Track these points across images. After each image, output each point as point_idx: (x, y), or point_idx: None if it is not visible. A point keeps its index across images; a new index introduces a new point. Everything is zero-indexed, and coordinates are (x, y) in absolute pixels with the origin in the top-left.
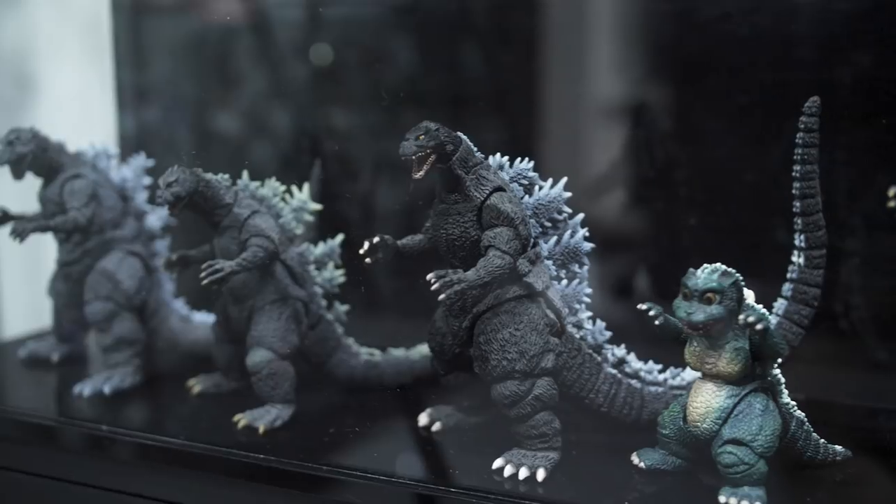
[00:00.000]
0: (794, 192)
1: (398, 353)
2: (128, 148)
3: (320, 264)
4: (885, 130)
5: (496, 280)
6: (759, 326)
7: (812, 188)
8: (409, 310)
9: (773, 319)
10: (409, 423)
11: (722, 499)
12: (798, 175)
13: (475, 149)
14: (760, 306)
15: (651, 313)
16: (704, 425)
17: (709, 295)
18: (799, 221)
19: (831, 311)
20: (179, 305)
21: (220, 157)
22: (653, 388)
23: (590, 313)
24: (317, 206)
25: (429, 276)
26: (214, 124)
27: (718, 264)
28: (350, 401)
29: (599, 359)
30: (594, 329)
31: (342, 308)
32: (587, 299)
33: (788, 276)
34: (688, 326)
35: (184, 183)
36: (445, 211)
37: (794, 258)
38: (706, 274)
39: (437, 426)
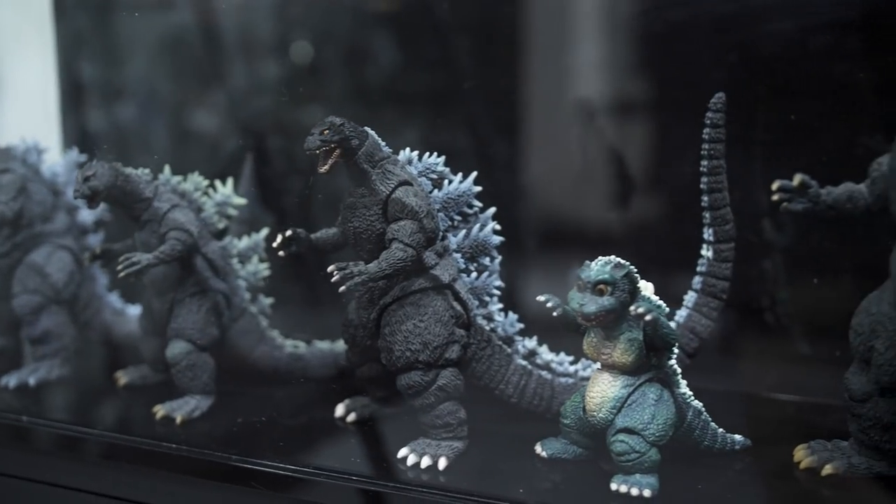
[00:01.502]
0: (701, 186)
1: (323, 345)
2: (71, 143)
3: (244, 258)
4: (794, 127)
5: (398, 272)
6: (648, 317)
7: (719, 183)
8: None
9: (683, 312)
10: (326, 414)
11: (613, 486)
12: (705, 170)
13: (383, 143)
14: (656, 298)
15: (549, 305)
16: (600, 415)
17: (601, 286)
18: (707, 215)
19: (758, 305)
20: (113, 299)
21: (163, 151)
22: (563, 380)
23: (500, 305)
24: (241, 201)
25: (330, 269)
26: (161, 119)
27: (613, 257)
28: (273, 392)
29: (510, 350)
30: (505, 321)
31: (266, 301)
32: (497, 292)
33: (698, 269)
34: (580, 317)
35: (101, 177)
36: (353, 205)
37: (703, 252)
38: (599, 266)
39: (352, 416)
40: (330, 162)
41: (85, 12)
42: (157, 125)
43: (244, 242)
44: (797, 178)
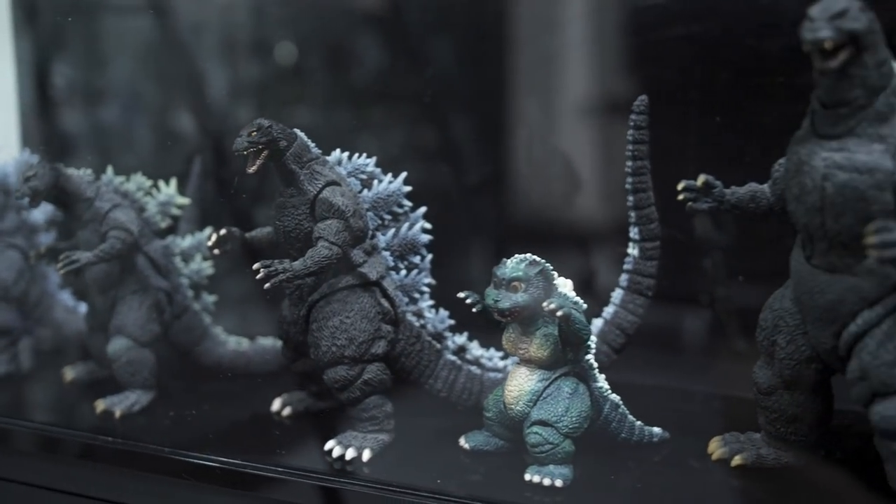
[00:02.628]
0: (626, 186)
1: (266, 342)
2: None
3: (187, 256)
4: (721, 127)
5: (323, 269)
6: (559, 313)
7: (644, 183)
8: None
9: (610, 309)
10: (263, 409)
11: (527, 476)
12: (630, 171)
13: (312, 144)
14: (573, 295)
15: (468, 301)
16: (518, 407)
17: (515, 283)
18: (633, 214)
19: (690, 300)
20: (65, 297)
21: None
22: (492, 374)
23: (431, 302)
24: (184, 201)
25: (255, 266)
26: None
27: (528, 254)
28: (214, 387)
29: (439, 346)
30: (435, 318)
31: (210, 298)
32: (426, 289)
33: (624, 267)
34: (495, 313)
35: (42, 177)
36: (282, 204)
37: (630, 250)
38: (514, 263)
39: (287, 410)
40: (258, 162)
41: (47, 14)
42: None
43: (187, 241)
44: (701, 179)
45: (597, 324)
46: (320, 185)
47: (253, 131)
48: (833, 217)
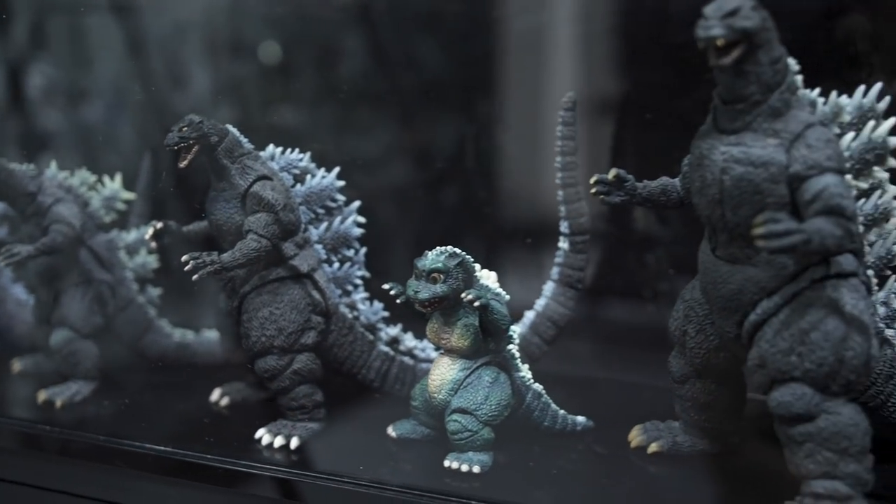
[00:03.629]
0: (556, 181)
1: (211, 334)
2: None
3: (132, 250)
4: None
5: (251, 262)
6: (476, 303)
7: (573, 178)
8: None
9: (541, 301)
10: (203, 399)
11: (446, 463)
12: (559, 166)
13: (244, 140)
14: (496, 286)
15: (392, 292)
16: (440, 396)
17: (434, 275)
18: (563, 209)
19: (641, 295)
20: (18, 290)
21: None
22: (425, 365)
23: (365, 294)
24: (129, 196)
25: (183, 258)
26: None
27: (449, 247)
28: (159, 379)
29: (372, 337)
30: (368, 309)
31: (155, 291)
32: (359, 281)
33: (555, 260)
34: (416, 303)
35: None
36: (215, 198)
37: (560, 244)
38: (434, 255)
39: (225, 400)
40: (189, 157)
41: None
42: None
43: (132, 235)
44: (612, 173)
45: (529, 316)
46: (251, 180)
47: (184, 127)
48: (732, 209)
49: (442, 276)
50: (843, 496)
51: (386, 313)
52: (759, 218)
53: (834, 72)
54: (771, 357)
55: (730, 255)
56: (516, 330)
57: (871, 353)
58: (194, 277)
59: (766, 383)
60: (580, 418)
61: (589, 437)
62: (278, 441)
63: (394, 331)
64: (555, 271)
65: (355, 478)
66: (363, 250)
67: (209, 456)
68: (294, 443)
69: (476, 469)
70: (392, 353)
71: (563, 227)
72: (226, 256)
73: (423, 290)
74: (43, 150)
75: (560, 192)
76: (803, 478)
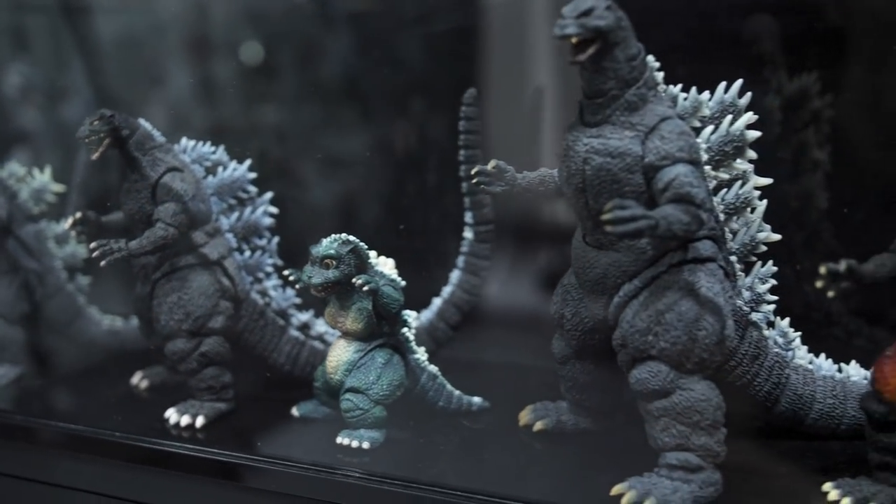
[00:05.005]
0: (461, 174)
1: None
2: None
3: (61, 240)
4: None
5: (158, 249)
6: (365, 288)
7: None
8: None
9: (448, 289)
10: (125, 382)
11: (338, 440)
12: (463, 159)
13: (156, 133)
14: (391, 273)
15: (291, 278)
16: (337, 377)
17: (327, 261)
18: (467, 200)
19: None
20: None
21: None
22: None
23: (277, 281)
24: (59, 188)
25: (91, 245)
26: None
27: (343, 234)
28: (87, 364)
29: (283, 323)
30: (279, 296)
31: (84, 280)
32: (270, 269)
33: (461, 249)
34: (311, 289)
35: None
36: (128, 189)
37: (465, 234)
38: (327, 242)
39: (144, 383)
40: (100, 150)
41: None
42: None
43: (62, 225)
44: (492, 163)
45: (436, 303)
46: (161, 171)
47: (95, 120)
48: (593, 197)
49: (334, 262)
50: (694, 467)
51: (298, 300)
52: (608, 205)
53: (741, 67)
54: (630, 337)
55: (596, 240)
56: (412, 314)
57: (725, 334)
58: (102, 263)
59: (628, 362)
60: (476, 399)
61: (484, 417)
62: (185, 420)
63: (305, 316)
64: (460, 260)
65: (252, 454)
66: (275, 239)
67: (118, 434)
68: (200, 421)
69: (366, 445)
70: (303, 337)
71: (468, 217)
72: (133, 244)
73: (317, 276)
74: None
75: (464, 184)
76: (660, 450)
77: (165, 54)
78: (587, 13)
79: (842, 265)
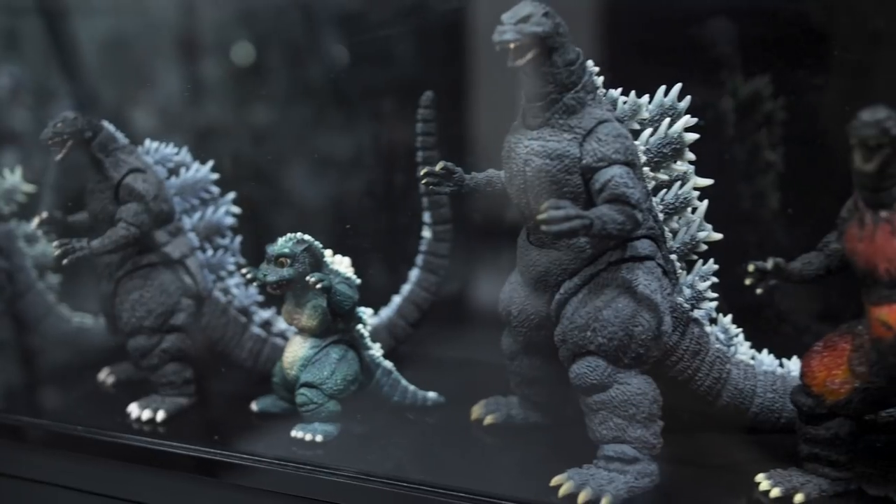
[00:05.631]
0: (419, 175)
1: None
2: None
3: (31, 239)
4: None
5: (120, 248)
6: (318, 286)
7: None
8: None
9: (407, 287)
10: (92, 378)
11: (293, 433)
12: (420, 160)
13: (119, 135)
14: (346, 271)
15: (248, 276)
16: (293, 372)
17: (281, 259)
18: (425, 201)
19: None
20: None
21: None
22: None
23: (239, 280)
24: (29, 188)
25: (54, 244)
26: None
27: (299, 234)
28: (57, 360)
29: (245, 320)
30: (242, 293)
31: (55, 278)
32: (233, 267)
33: (420, 248)
34: (267, 287)
35: None
36: (91, 190)
37: (424, 233)
38: (282, 241)
39: (111, 379)
40: (64, 151)
41: None
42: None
43: (32, 225)
44: (440, 165)
45: (395, 300)
46: (123, 172)
47: (58, 123)
48: (534, 197)
49: (289, 260)
50: (630, 458)
51: (260, 297)
52: (543, 205)
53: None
54: (570, 333)
55: (538, 239)
56: (368, 311)
57: (661, 330)
58: (64, 262)
59: (568, 357)
60: (431, 394)
61: (438, 411)
62: (146, 414)
63: (267, 314)
64: (419, 259)
65: (209, 448)
66: (238, 238)
67: (80, 427)
68: (160, 416)
69: (319, 438)
70: (265, 334)
71: (426, 217)
72: (95, 243)
73: (271, 274)
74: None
75: (422, 185)
76: (598, 442)
77: (145, 57)
78: (525, 19)
79: (769, 263)
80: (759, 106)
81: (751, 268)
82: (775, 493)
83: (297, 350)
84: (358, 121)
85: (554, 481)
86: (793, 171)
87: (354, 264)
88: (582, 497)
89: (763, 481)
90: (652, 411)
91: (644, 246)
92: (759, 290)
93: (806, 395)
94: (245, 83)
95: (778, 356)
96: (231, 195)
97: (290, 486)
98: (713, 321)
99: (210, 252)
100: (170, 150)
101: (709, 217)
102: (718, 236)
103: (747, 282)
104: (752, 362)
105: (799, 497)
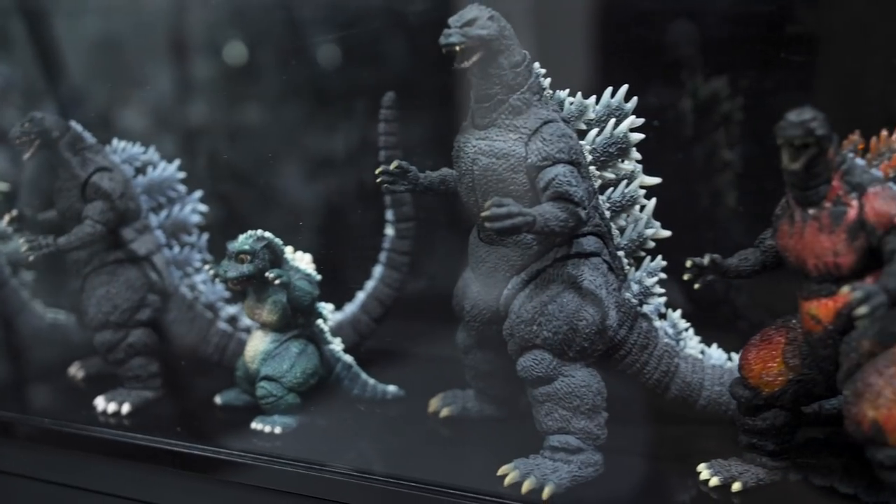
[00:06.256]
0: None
1: None
2: None
3: (5, 237)
4: None
5: (86, 245)
6: (276, 282)
7: None
8: None
9: (370, 284)
10: (63, 372)
11: (253, 425)
12: (382, 159)
13: (87, 135)
14: (307, 268)
15: (212, 272)
16: (254, 366)
17: (241, 256)
18: (388, 199)
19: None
20: None
21: None
22: None
23: (205, 276)
24: (3, 186)
25: (21, 241)
26: None
27: (259, 231)
28: (29, 355)
29: (212, 315)
30: (208, 290)
31: (28, 275)
32: (199, 264)
33: (383, 245)
34: (228, 283)
35: None
36: (59, 188)
37: (387, 231)
38: (243, 238)
39: (81, 373)
40: (31, 150)
41: None
42: None
43: (4, 223)
44: (394, 164)
45: (360, 296)
46: (90, 171)
47: (26, 122)
48: (482, 195)
49: (249, 256)
50: (574, 448)
51: (227, 294)
52: (487, 203)
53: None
54: (517, 327)
55: (487, 236)
56: (328, 307)
57: (606, 324)
58: (30, 258)
59: (516, 350)
60: (391, 387)
61: (399, 405)
62: (111, 407)
63: (233, 309)
64: (382, 256)
65: (172, 439)
66: (205, 236)
67: (47, 420)
68: (125, 408)
69: (277, 430)
70: (231, 329)
71: (389, 215)
72: (62, 240)
73: (231, 270)
74: None
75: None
76: (544, 433)
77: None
78: (470, 23)
79: (706, 259)
80: (717, 107)
81: (688, 263)
82: (714, 481)
83: (257, 344)
84: (327, 120)
85: (501, 471)
86: (748, 170)
87: (323, 261)
88: (526, 486)
89: (704, 471)
90: (596, 403)
91: (590, 243)
92: (696, 286)
93: (743, 387)
94: (217, 83)
95: (735, 351)
96: (197, 193)
97: (248, 477)
98: (662, 316)
99: (177, 249)
100: (137, 149)
101: (667, 214)
102: (666, 233)
103: (685, 277)
104: (700, 356)
105: (736, 485)
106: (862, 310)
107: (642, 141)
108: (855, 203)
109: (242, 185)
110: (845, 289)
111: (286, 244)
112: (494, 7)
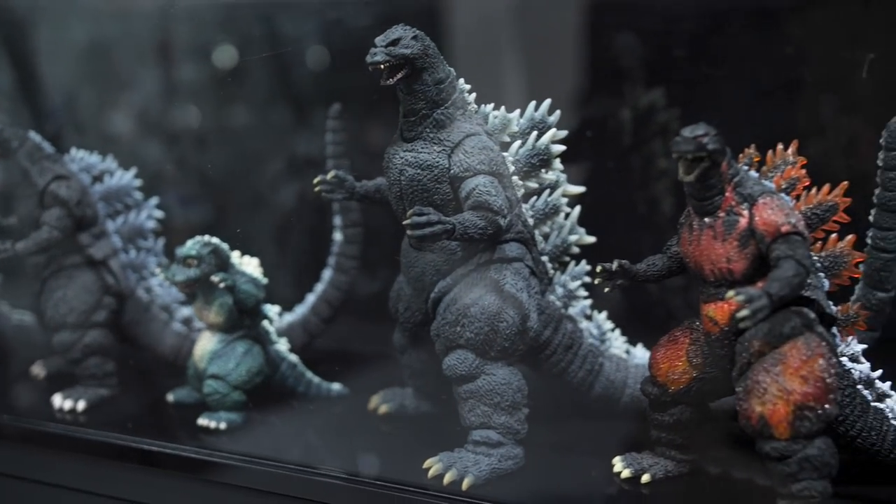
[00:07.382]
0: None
1: None
2: None
3: None
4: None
5: (43, 250)
6: (221, 285)
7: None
8: None
9: (319, 286)
10: (24, 371)
11: (199, 421)
12: (328, 168)
13: (45, 144)
14: (253, 272)
15: (162, 276)
16: (202, 365)
17: (189, 260)
18: (336, 206)
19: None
20: None
21: None
22: None
23: (161, 279)
24: None
25: None
26: None
27: (206, 237)
28: None
29: (167, 317)
30: (164, 292)
31: None
32: (157, 268)
33: (331, 250)
34: (178, 287)
35: None
36: (19, 195)
37: (335, 236)
38: (190, 244)
39: (42, 373)
40: None
41: None
42: None
43: None
44: (331, 174)
45: (309, 299)
46: (48, 179)
47: None
48: (409, 204)
49: (196, 261)
50: (494, 442)
51: (182, 296)
52: (409, 212)
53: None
54: (442, 328)
55: (416, 243)
56: (274, 308)
57: (526, 325)
58: None
59: (442, 350)
60: (335, 386)
61: (343, 402)
62: (67, 404)
63: (188, 311)
64: (331, 260)
65: (124, 434)
66: (161, 241)
67: (6, 416)
68: (81, 405)
69: (222, 426)
70: (186, 330)
71: (337, 220)
72: (20, 245)
73: (179, 273)
74: None
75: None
76: (467, 428)
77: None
78: (395, 42)
79: (614, 264)
80: (654, 117)
81: (598, 268)
82: (626, 473)
83: (205, 344)
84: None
85: (426, 464)
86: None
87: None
88: (447, 477)
89: (618, 463)
90: (516, 400)
91: (513, 248)
92: (606, 290)
93: (652, 385)
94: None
95: None
96: (153, 200)
97: (195, 470)
98: (588, 318)
99: (133, 253)
100: (94, 158)
101: (601, 221)
102: (591, 240)
103: (596, 281)
104: (625, 356)
105: (646, 477)
106: (743, 312)
107: (580, 149)
108: (746, 213)
109: (205, 190)
110: (730, 293)
111: (246, 250)
112: (439, 21)
